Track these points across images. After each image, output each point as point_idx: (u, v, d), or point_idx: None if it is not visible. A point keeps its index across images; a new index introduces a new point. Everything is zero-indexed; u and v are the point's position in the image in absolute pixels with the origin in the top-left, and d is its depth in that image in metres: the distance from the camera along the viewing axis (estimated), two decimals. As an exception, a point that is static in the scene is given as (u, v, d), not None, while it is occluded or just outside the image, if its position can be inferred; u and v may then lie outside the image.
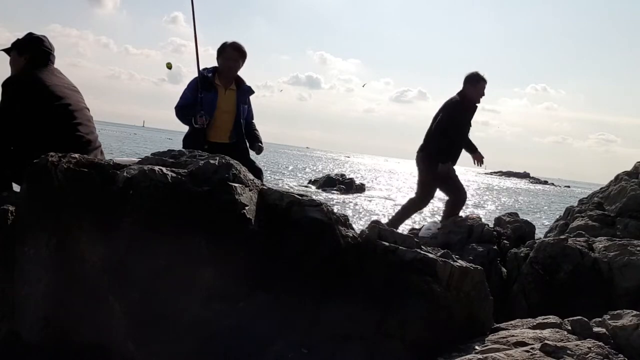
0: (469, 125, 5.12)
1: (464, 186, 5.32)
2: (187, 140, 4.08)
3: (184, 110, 4.01)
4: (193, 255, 2.04)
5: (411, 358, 2.04)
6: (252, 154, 4.29)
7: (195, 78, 4.03)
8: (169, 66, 4.50)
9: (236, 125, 4.13)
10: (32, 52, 3.15)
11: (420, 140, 5.28)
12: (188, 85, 4.09)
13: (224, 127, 4.09)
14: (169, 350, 2.02)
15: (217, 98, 4.03)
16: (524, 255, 3.89)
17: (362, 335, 2.06)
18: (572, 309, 2.70)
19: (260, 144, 4.26)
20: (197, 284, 2.03)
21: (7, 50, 3.24)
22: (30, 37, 3.22)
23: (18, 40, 3.23)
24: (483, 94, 5.03)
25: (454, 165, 5.10)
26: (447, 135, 4.92)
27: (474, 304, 2.26)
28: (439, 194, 5.46)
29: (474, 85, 4.97)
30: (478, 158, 5.25)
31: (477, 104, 5.04)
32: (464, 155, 5.43)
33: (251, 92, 4.26)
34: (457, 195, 5.10)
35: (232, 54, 4.08)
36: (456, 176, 5.12)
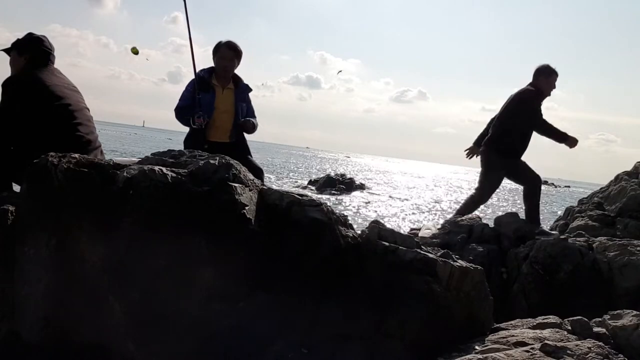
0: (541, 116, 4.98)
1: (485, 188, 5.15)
2: (188, 140, 4.09)
3: (182, 111, 4.03)
4: (193, 255, 2.04)
5: (411, 358, 2.04)
6: (253, 153, 4.29)
7: (193, 79, 4.04)
8: (135, 51, 4.34)
9: (235, 125, 4.13)
10: (32, 52, 3.15)
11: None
12: (186, 87, 4.11)
13: (223, 127, 4.09)
14: (169, 350, 2.02)
15: (215, 98, 4.04)
16: (524, 255, 3.89)
17: (362, 335, 2.05)
18: (572, 309, 2.70)
19: (250, 120, 4.16)
20: (197, 284, 2.03)
21: (7, 51, 3.24)
22: (30, 37, 3.22)
23: (18, 40, 3.23)
24: (554, 87, 4.97)
25: (521, 157, 5.01)
26: (520, 127, 4.83)
27: (474, 304, 2.26)
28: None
29: (547, 77, 4.89)
30: (572, 143, 4.96)
31: (547, 96, 4.95)
32: (464, 156, 5.38)
33: (249, 89, 4.25)
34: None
35: (226, 53, 4.08)
36: (519, 170, 5.00)
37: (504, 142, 4.93)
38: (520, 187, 5.10)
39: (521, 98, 4.90)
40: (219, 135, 4.09)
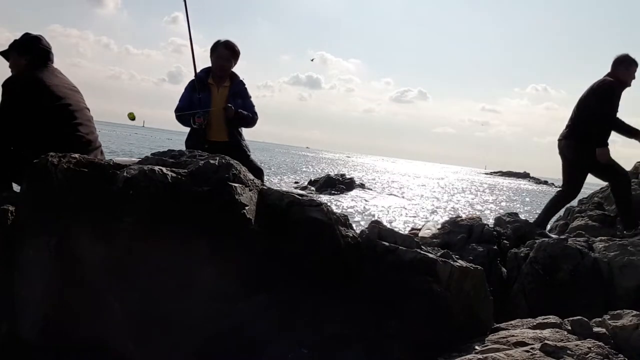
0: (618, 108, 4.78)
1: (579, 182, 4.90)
2: (189, 141, 4.10)
3: (182, 114, 4.04)
4: (193, 255, 2.04)
5: (411, 358, 2.04)
6: (253, 153, 4.28)
7: (192, 80, 4.07)
8: (132, 117, 4.35)
9: (229, 123, 4.10)
10: (33, 52, 3.15)
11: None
12: (185, 88, 4.14)
13: (220, 126, 4.08)
14: (169, 350, 2.02)
15: (211, 97, 4.04)
16: (524, 255, 3.89)
17: (362, 335, 2.06)
18: (572, 309, 2.70)
19: (231, 107, 4.00)
20: (197, 284, 2.03)
21: (4, 53, 3.24)
22: (28, 37, 3.22)
23: (16, 41, 3.23)
24: (634, 77, 4.79)
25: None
26: (601, 117, 4.63)
27: (474, 304, 2.26)
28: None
29: (627, 68, 4.73)
30: None
31: (628, 87, 4.78)
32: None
33: (242, 84, 4.21)
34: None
35: (224, 52, 4.09)
36: (613, 159, 4.73)
37: (585, 132, 4.70)
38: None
39: (601, 89, 4.72)
40: (218, 135, 4.08)
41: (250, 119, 4.19)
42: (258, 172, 3.86)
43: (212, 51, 4.12)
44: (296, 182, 23.57)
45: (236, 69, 4.24)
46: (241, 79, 4.20)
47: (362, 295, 2.13)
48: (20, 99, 2.97)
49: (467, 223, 4.47)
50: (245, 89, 4.22)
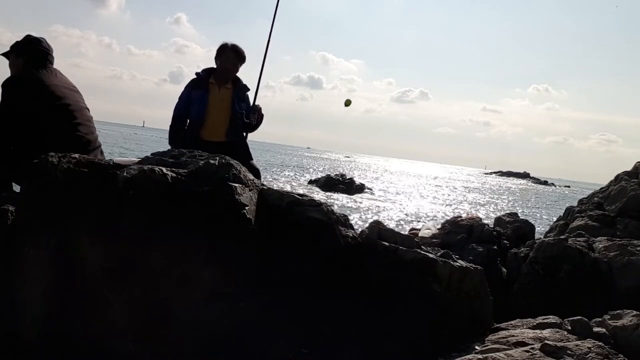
0: None
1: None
2: (183, 141, 4.10)
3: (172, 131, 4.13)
4: (193, 255, 2.04)
5: (411, 358, 2.04)
6: (253, 153, 4.27)
7: (193, 79, 4.08)
8: (348, 103, 4.69)
9: (233, 123, 4.10)
10: (31, 53, 3.16)
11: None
12: (185, 86, 4.15)
13: (218, 126, 4.06)
14: (168, 350, 2.02)
15: (208, 95, 4.02)
16: (524, 255, 3.89)
17: (362, 335, 2.06)
18: (572, 309, 2.70)
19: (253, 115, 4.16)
20: (197, 284, 2.03)
21: (6, 55, 3.25)
22: (28, 38, 3.23)
23: (17, 42, 3.24)
24: None
25: None
26: None
27: (474, 304, 2.26)
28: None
29: None
30: None
31: None
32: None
33: (246, 89, 4.22)
34: None
35: (231, 56, 4.08)
36: None
37: None
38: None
39: None
40: (214, 134, 4.06)
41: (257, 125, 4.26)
42: (255, 172, 3.85)
43: (219, 53, 4.11)
44: (296, 182, 23.56)
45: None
46: (244, 83, 4.21)
47: (362, 295, 2.13)
48: (19, 99, 2.98)
49: (467, 223, 4.47)
50: (247, 94, 4.24)
